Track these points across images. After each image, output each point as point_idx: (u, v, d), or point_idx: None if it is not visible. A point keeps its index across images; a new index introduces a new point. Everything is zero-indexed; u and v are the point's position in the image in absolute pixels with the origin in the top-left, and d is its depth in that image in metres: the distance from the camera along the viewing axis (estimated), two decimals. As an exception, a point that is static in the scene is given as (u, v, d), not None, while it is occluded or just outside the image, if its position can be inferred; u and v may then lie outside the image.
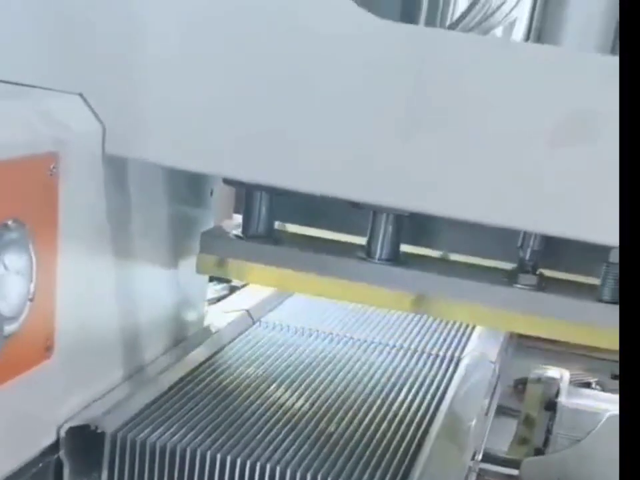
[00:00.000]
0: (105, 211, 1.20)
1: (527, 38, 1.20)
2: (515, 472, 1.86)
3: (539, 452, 1.88)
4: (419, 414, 1.37)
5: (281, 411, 1.31)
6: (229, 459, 1.15)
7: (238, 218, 1.47)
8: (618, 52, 1.11)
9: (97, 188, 1.17)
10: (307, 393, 1.39)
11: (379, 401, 1.40)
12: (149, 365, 1.40)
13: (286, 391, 1.39)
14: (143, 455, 1.17)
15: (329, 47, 1.08)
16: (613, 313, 1.25)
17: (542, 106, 1.03)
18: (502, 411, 2.15)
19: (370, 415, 1.34)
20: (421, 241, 1.41)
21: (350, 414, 1.33)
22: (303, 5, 1.08)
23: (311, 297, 1.69)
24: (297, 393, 1.39)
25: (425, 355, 1.62)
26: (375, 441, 1.26)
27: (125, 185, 1.25)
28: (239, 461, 1.15)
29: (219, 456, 1.16)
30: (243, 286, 1.89)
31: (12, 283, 1.01)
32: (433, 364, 1.59)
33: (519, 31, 1.43)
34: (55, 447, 1.16)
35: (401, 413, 1.36)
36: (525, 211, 1.07)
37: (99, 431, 1.17)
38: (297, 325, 1.69)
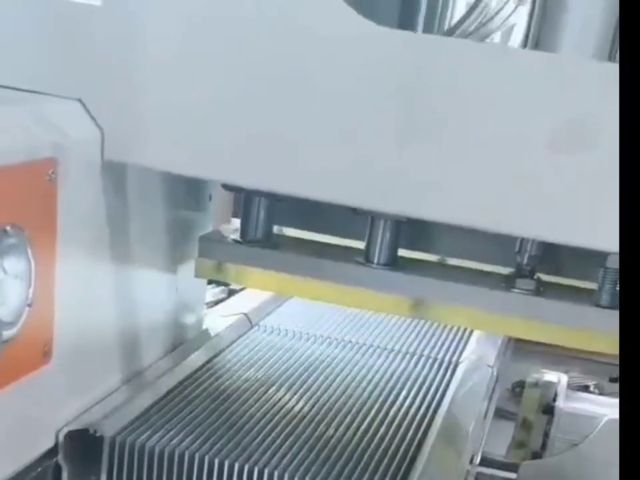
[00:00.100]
0: (104, 216, 1.20)
1: (525, 44, 1.20)
2: (512, 475, 1.86)
3: (536, 456, 1.88)
4: (417, 417, 1.37)
5: (279, 415, 1.31)
6: (227, 463, 1.15)
7: (236, 222, 1.47)
8: (616, 58, 1.12)
9: (95, 193, 1.18)
10: (305, 396, 1.40)
11: (377, 405, 1.40)
12: (147, 368, 1.40)
13: (284, 394, 1.39)
14: (142, 459, 1.17)
15: (328, 54, 1.08)
16: (610, 318, 1.25)
17: (540, 113, 1.03)
18: (499, 414, 2.15)
19: (368, 418, 1.35)
20: (419, 245, 1.41)
21: (348, 418, 1.34)
22: (303, 12, 1.08)
23: (309, 300, 1.69)
24: (295, 397, 1.39)
25: (423, 359, 1.62)
26: (373, 445, 1.26)
27: (124, 190, 1.25)
28: (237, 465, 1.15)
29: (217, 460, 1.16)
30: (242, 289, 1.89)
31: (11, 288, 1.01)
32: (431, 368, 1.59)
33: (517, 37, 1.43)
34: (53, 451, 1.16)
35: (399, 417, 1.37)
36: (524, 218, 1.07)
37: (97, 435, 1.18)
38: (295, 328, 1.69)
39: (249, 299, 1.79)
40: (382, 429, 1.31)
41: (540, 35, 1.18)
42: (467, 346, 1.72)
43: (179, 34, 1.12)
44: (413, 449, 1.27)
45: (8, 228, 0.99)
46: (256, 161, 1.14)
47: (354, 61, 1.07)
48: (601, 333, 1.27)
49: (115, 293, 1.28)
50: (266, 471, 1.15)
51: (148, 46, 1.13)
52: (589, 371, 3.02)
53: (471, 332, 1.79)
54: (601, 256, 1.25)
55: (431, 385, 1.51)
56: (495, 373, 1.66)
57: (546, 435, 1.86)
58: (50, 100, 1.14)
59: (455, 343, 1.72)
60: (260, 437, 1.23)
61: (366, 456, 1.22)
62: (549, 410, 1.89)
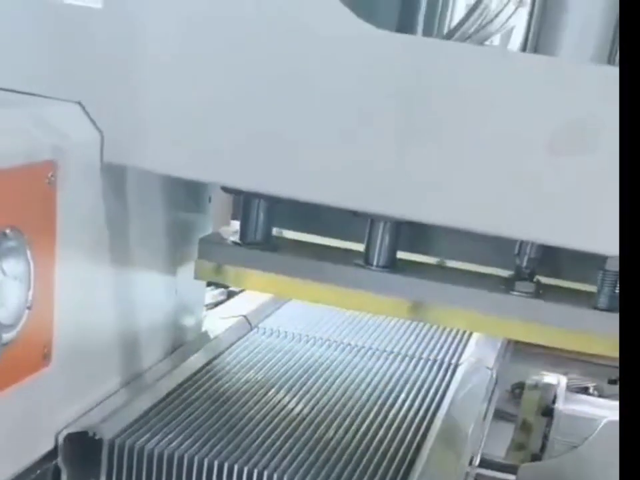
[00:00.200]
0: (103, 219, 1.20)
1: (524, 46, 1.20)
2: (511, 477, 1.86)
3: (535, 458, 1.88)
4: (417, 420, 1.37)
5: (278, 417, 1.31)
6: (226, 465, 1.15)
7: (236, 224, 1.47)
8: (616, 59, 1.12)
9: (95, 196, 1.18)
10: (304, 399, 1.40)
11: (376, 407, 1.40)
12: (147, 371, 1.40)
13: (284, 397, 1.39)
14: (141, 461, 1.17)
15: (327, 57, 1.08)
16: (609, 320, 1.25)
17: (540, 116, 1.03)
18: (499, 415, 2.16)
19: (368, 420, 1.35)
20: (418, 247, 1.42)
21: (348, 420, 1.34)
22: (303, 14, 1.08)
23: (308, 303, 1.69)
24: (294, 399, 1.39)
25: (422, 361, 1.62)
26: (372, 447, 1.26)
27: (123, 193, 1.25)
28: (236, 468, 1.15)
29: (216, 462, 1.16)
30: (241, 291, 1.89)
31: (10, 291, 1.01)
32: (430, 370, 1.59)
33: (517, 39, 1.43)
34: (53, 453, 1.16)
35: (398, 419, 1.37)
36: (523, 220, 1.08)
37: (96, 437, 1.18)
38: (295, 330, 1.69)
39: (248, 301, 1.79)
40: (381, 431, 1.31)
41: (540, 36, 1.18)
42: (466, 348, 1.72)
43: (178, 37, 1.12)
44: (412, 451, 1.27)
45: (7, 231, 0.99)
46: (255, 163, 1.14)
47: (354, 64, 1.07)
48: (600, 335, 1.27)
49: (114, 295, 1.28)
50: (265, 473, 1.15)
51: (148, 49, 1.13)
52: (588, 373, 3.02)
53: (470, 334, 1.79)
54: (600, 259, 1.25)
55: (430, 387, 1.51)
56: (494, 375, 1.66)
57: (545, 437, 1.86)
58: (50, 103, 1.14)
59: (454, 345, 1.72)
60: (259, 439, 1.23)
61: (365, 458, 1.23)
62: (548, 412, 1.89)
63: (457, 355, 1.67)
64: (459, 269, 1.40)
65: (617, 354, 1.04)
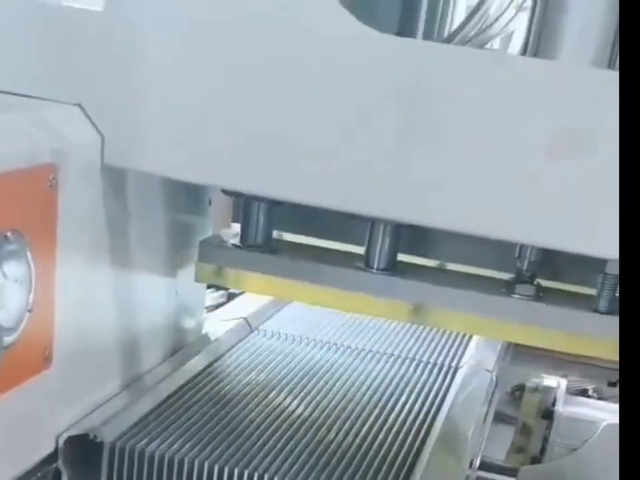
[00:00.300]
0: (104, 221, 1.20)
1: (525, 50, 1.20)
2: (512, 480, 1.86)
3: (535, 460, 1.88)
4: (417, 422, 1.37)
5: (279, 420, 1.31)
6: (226, 469, 1.15)
7: (236, 227, 1.47)
8: (616, 65, 1.12)
9: (95, 198, 1.18)
10: (305, 401, 1.40)
11: (377, 410, 1.40)
12: (147, 373, 1.40)
13: (284, 399, 1.39)
14: (142, 464, 1.17)
15: (328, 60, 1.08)
16: (609, 323, 1.25)
17: (539, 120, 1.04)
18: (499, 417, 2.16)
19: (368, 423, 1.35)
20: (418, 250, 1.42)
21: (348, 423, 1.34)
22: (303, 16, 1.08)
23: (308, 305, 1.69)
24: (295, 402, 1.39)
25: (422, 364, 1.62)
26: (373, 450, 1.26)
27: (124, 195, 1.25)
28: (236, 471, 1.15)
29: (216, 466, 1.16)
30: (241, 293, 1.89)
31: (11, 294, 1.01)
32: (430, 373, 1.59)
33: (517, 43, 1.43)
34: (53, 456, 1.16)
35: (398, 422, 1.37)
36: (524, 224, 1.08)
37: (97, 440, 1.18)
38: (295, 333, 1.69)
39: (248, 303, 1.79)
40: (382, 434, 1.31)
41: (540, 40, 1.18)
42: (466, 351, 1.72)
43: (178, 39, 1.12)
44: (412, 454, 1.27)
45: (8, 234, 0.99)
46: (256, 166, 1.14)
47: (354, 67, 1.07)
48: (600, 338, 1.27)
49: (115, 297, 1.28)
50: (266, 476, 1.15)
51: (148, 51, 1.13)
52: (588, 375, 3.03)
53: (470, 337, 1.79)
54: (600, 262, 1.25)
55: (430, 390, 1.51)
56: (494, 378, 1.67)
57: (545, 439, 1.87)
58: (50, 105, 1.14)
59: (454, 348, 1.72)
60: (260, 442, 1.23)
61: (366, 461, 1.23)
62: (548, 415, 1.89)
63: (457, 357, 1.67)
64: (460, 271, 1.40)
65: (617, 357, 1.04)
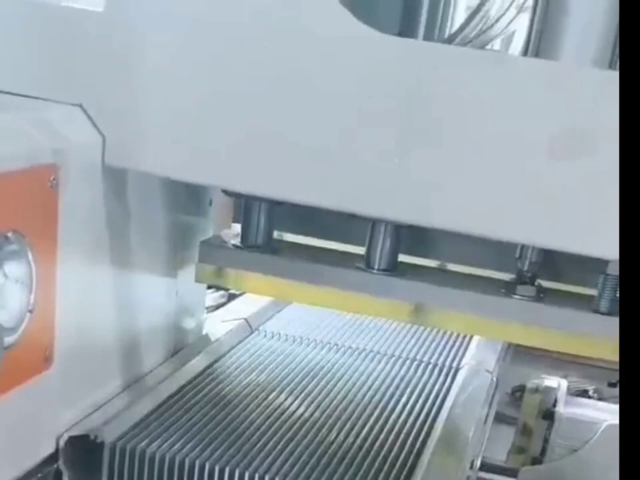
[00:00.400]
0: (104, 221, 1.20)
1: (526, 50, 1.20)
2: (512, 481, 1.86)
3: (536, 461, 1.88)
4: (418, 423, 1.37)
5: (279, 421, 1.31)
6: (227, 469, 1.15)
7: (237, 227, 1.47)
8: (617, 66, 1.12)
9: (96, 198, 1.18)
10: (305, 402, 1.40)
11: (377, 411, 1.40)
12: (148, 373, 1.40)
13: (285, 400, 1.39)
14: (142, 464, 1.17)
15: (329, 61, 1.08)
16: (610, 324, 1.25)
17: (540, 120, 1.03)
18: (499, 418, 2.16)
19: (369, 424, 1.35)
20: (419, 251, 1.41)
21: (349, 423, 1.34)
22: (303, 17, 1.08)
23: (309, 306, 1.69)
24: (295, 402, 1.39)
25: (423, 365, 1.62)
26: (373, 451, 1.26)
27: (124, 195, 1.25)
28: (237, 472, 1.15)
29: (217, 466, 1.16)
30: (241, 293, 1.89)
31: (12, 294, 1.01)
32: (431, 373, 1.59)
33: (518, 44, 1.43)
34: (54, 456, 1.16)
35: (399, 422, 1.37)
36: (525, 225, 1.08)
37: (98, 440, 1.18)
38: (295, 333, 1.69)
39: (249, 304, 1.79)
40: (382, 435, 1.31)
41: (541, 41, 1.18)
42: (467, 351, 1.72)
43: (179, 40, 1.12)
44: (413, 454, 1.27)
45: (9, 234, 0.99)
46: (256, 166, 1.14)
47: (355, 68, 1.07)
48: (601, 339, 1.27)
49: (115, 297, 1.28)
50: (267, 477, 1.15)
51: (149, 52, 1.13)
52: (588, 376, 3.03)
53: (471, 337, 1.79)
54: (601, 262, 1.25)
55: (431, 391, 1.51)
56: (494, 379, 1.66)
57: (546, 440, 1.87)
58: (51, 106, 1.14)
59: (454, 349, 1.72)
60: (260, 442, 1.23)
61: (367, 462, 1.22)
62: (548, 415, 1.89)
63: (457, 358, 1.67)
64: (460, 272, 1.40)
65: (617, 358, 1.04)
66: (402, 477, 1.21)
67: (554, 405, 1.89)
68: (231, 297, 2.00)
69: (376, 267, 1.36)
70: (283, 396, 1.40)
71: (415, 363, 1.63)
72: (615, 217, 0.98)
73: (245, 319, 1.70)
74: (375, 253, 1.36)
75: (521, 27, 1.32)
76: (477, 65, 1.05)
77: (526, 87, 1.04)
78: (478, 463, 1.67)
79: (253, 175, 1.15)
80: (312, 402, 1.40)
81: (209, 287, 1.75)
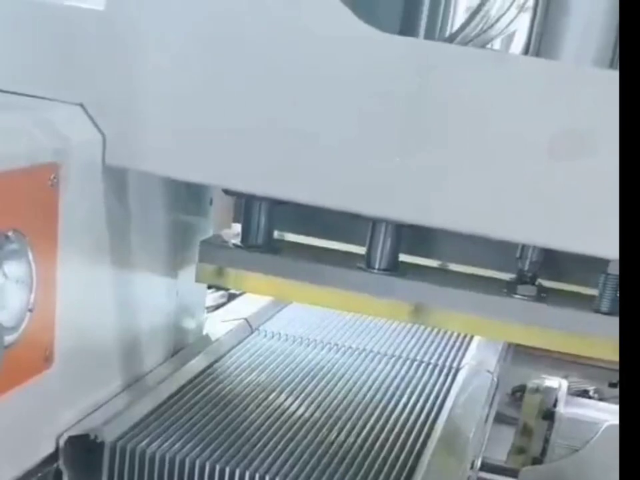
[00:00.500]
0: (105, 221, 1.20)
1: (526, 50, 1.20)
2: (513, 481, 1.86)
3: (536, 461, 1.88)
4: (418, 423, 1.37)
5: (280, 421, 1.31)
6: (227, 469, 1.15)
7: (237, 227, 1.47)
8: (617, 66, 1.12)
9: (96, 198, 1.18)
10: (306, 402, 1.39)
11: (378, 411, 1.40)
12: (148, 373, 1.40)
13: (285, 400, 1.39)
14: (142, 464, 1.17)
15: (330, 60, 1.08)
16: (611, 324, 1.25)
17: (540, 120, 1.03)
18: (500, 419, 2.16)
19: (369, 424, 1.34)
20: (420, 250, 1.41)
21: (349, 424, 1.33)
22: (305, 17, 1.08)
23: (309, 305, 1.69)
24: (296, 402, 1.39)
25: (423, 365, 1.62)
26: (374, 451, 1.26)
27: (125, 195, 1.25)
28: (237, 472, 1.15)
29: (217, 466, 1.15)
30: (242, 293, 1.89)
31: (12, 293, 1.01)
32: (431, 374, 1.59)
33: (518, 43, 1.43)
34: (54, 456, 1.16)
35: (400, 423, 1.36)
36: (525, 224, 1.08)
37: (98, 440, 1.17)
38: (296, 333, 1.69)
39: (249, 304, 1.79)
40: (383, 435, 1.31)
41: (541, 40, 1.18)
42: (467, 352, 1.72)
43: (180, 39, 1.12)
44: (414, 454, 1.27)
45: (10, 233, 0.99)
46: (257, 166, 1.14)
47: (356, 67, 1.07)
48: (602, 339, 1.27)
49: (115, 297, 1.28)
50: (267, 477, 1.14)
51: (150, 51, 1.13)
52: (588, 376, 3.03)
53: (471, 338, 1.79)
54: (602, 262, 1.25)
55: (431, 391, 1.50)
56: (495, 379, 1.66)
57: (546, 440, 1.86)
58: (52, 105, 1.14)
59: (455, 349, 1.72)
60: (261, 442, 1.23)
61: (367, 462, 1.22)
62: (549, 415, 1.89)
63: (457, 358, 1.67)
64: (461, 272, 1.40)
65: (618, 358, 1.04)
66: (403, 476, 1.20)
67: (554, 405, 1.89)
68: (231, 297, 1.99)
69: (376, 266, 1.36)
70: (283, 396, 1.40)
71: (416, 363, 1.63)
72: (615, 216, 0.98)
73: (245, 319, 1.70)
74: (376, 253, 1.36)
75: (521, 26, 1.32)
76: (477, 64, 1.05)
77: (526, 87, 1.04)
78: (478, 463, 1.67)
79: (253, 174, 1.15)
80: (312, 402, 1.40)
81: (209, 287, 1.75)
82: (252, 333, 1.68)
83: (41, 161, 1.05)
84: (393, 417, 1.38)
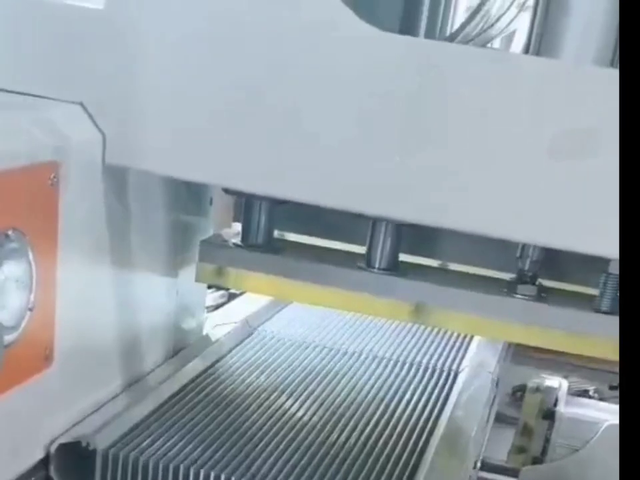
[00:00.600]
0: (105, 220, 1.20)
1: (527, 49, 1.20)
2: (513, 481, 1.86)
3: (536, 461, 1.88)
4: (420, 424, 1.37)
5: (280, 423, 1.30)
6: (223, 477, 1.13)
7: (237, 226, 1.47)
8: (617, 64, 1.12)
9: (96, 197, 1.17)
10: (306, 403, 1.39)
11: (379, 412, 1.39)
12: (147, 374, 1.40)
13: (285, 401, 1.38)
14: (136, 473, 1.13)
15: (329, 61, 1.08)
16: (611, 324, 1.25)
17: (541, 119, 1.03)
18: (500, 418, 2.15)
19: (371, 426, 1.34)
20: (420, 250, 1.41)
21: (350, 425, 1.33)
22: (305, 18, 1.08)
23: (309, 305, 1.69)
24: (296, 404, 1.38)
25: (424, 366, 1.62)
26: (375, 453, 1.25)
27: (125, 194, 1.25)
28: (233, 479, 1.13)
29: (212, 473, 1.13)
30: (242, 293, 1.89)
31: (12, 292, 1.01)
32: (432, 375, 1.59)
33: (519, 43, 1.43)
34: (45, 462, 1.14)
35: (401, 424, 1.36)
36: (525, 224, 1.08)
37: (90, 448, 1.14)
38: (296, 333, 1.69)
39: (249, 304, 1.79)
40: (384, 436, 1.31)
41: (542, 40, 1.18)
42: (467, 353, 1.71)
43: (180, 38, 1.12)
44: (415, 455, 1.26)
45: (9, 232, 0.99)
46: (257, 165, 1.14)
47: (356, 66, 1.07)
48: (603, 338, 1.27)
49: (115, 296, 1.28)
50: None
51: (149, 50, 1.13)
52: (589, 376, 3.02)
53: (471, 338, 1.79)
54: (603, 261, 1.25)
55: (432, 392, 1.50)
56: (495, 380, 1.66)
57: (546, 440, 1.86)
58: (52, 104, 1.14)
59: (455, 349, 1.72)
60: (260, 446, 1.22)
61: (369, 464, 1.22)
62: (549, 415, 1.89)
63: (458, 359, 1.67)
64: (461, 271, 1.40)
65: (618, 358, 1.04)
66: (405, 477, 1.20)
67: (555, 405, 1.89)
68: (231, 297, 1.99)
69: (377, 266, 1.36)
70: (283, 397, 1.40)
71: (416, 363, 1.62)
72: (615, 215, 0.98)
73: (246, 319, 1.70)
74: (376, 253, 1.36)
75: (521, 26, 1.32)
76: (478, 63, 1.05)
77: (526, 86, 1.04)
78: (479, 463, 1.67)
79: (254, 173, 1.14)
80: (313, 403, 1.39)
81: (209, 287, 1.75)
82: (252, 333, 1.67)
83: (40, 159, 1.05)
84: (395, 418, 1.38)
